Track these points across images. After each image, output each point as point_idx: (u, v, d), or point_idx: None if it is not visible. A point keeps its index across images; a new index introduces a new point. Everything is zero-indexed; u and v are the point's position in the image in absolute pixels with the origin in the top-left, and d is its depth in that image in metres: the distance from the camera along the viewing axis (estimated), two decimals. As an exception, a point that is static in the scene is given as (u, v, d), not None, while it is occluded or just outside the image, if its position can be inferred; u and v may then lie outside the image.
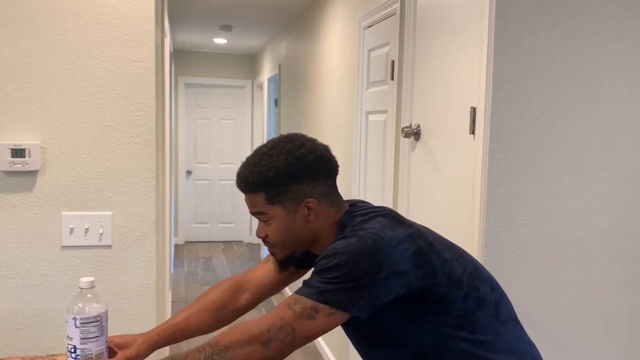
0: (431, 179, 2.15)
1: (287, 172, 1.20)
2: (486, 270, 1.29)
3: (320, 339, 4.07)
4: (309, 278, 1.14)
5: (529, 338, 1.30)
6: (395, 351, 1.21)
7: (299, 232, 1.24)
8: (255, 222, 7.57)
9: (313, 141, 1.25)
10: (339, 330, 3.59)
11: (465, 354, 1.16)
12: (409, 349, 1.19)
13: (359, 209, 1.27)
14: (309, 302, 1.09)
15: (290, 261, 1.32)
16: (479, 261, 1.80)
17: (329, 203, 1.25)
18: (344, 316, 1.11)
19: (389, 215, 1.22)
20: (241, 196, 7.69)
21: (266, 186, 1.21)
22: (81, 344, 1.35)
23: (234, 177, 7.81)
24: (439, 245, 1.19)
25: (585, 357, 1.89)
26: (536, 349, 1.29)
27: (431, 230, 1.25)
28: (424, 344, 1.18)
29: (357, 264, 1.09)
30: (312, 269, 1.19)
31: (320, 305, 1.09)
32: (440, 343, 1.17)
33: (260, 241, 7.10)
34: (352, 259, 1.09)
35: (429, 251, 1.16)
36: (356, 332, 1.27)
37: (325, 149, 1.25)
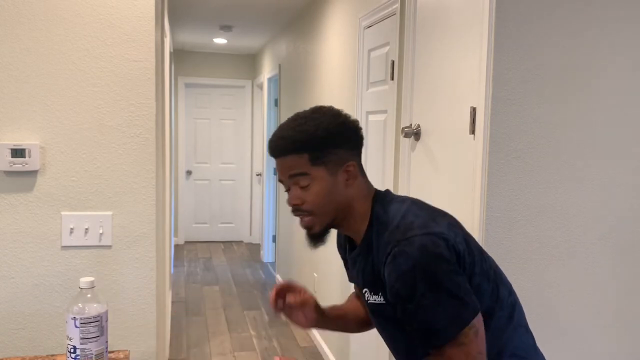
0: (431, 179, 2.15)
1: (335, 133, 1.21)
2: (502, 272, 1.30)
3: (320, 340, 4.08)
4: (419, 326, 1.12)
5: (538, 348, 1.30)
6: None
7: (338, 197, 1.22)
8: (256, 221, 7.58)
9: (348, 115, 1.26)
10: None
11: None
12: None
13: (383, 194, 1.27)
14: (455, 344, 1.08)
15: (326, 235, 1.27)
16: (479, 261, 1.80)
17: (362, 173, 1.26)
18: (479, 318, 1.10)
19: (417, 202, 1.23)
20: (241, 196, 7.69)
21: (312, 146, 1.20)
22: (81, 344, 1.35)
23: (234, 177, 7.85)
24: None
25: (586, 357, 1.89)
26: (544, 358, 1.29)
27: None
28: None
29: (435, 275, 1.08)
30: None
31: (463, 333, 1.08)
32: None
33: (260, 241, 7.10)
34: (428, 274, 1.08)
35: (469, 238, 1.18)
36: (386, 319, 1.26)
37: (358, 123, 1.27)
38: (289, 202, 1.25)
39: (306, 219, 1.24)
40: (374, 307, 1.26)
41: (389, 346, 1.33)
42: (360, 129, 1.27)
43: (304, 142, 1.20)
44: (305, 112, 1.25)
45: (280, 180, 1.26)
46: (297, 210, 1.25)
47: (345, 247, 1.38)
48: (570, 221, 1.84)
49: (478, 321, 1.10)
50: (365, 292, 1.27)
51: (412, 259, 1.08)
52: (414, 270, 1.08)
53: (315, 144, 1.20)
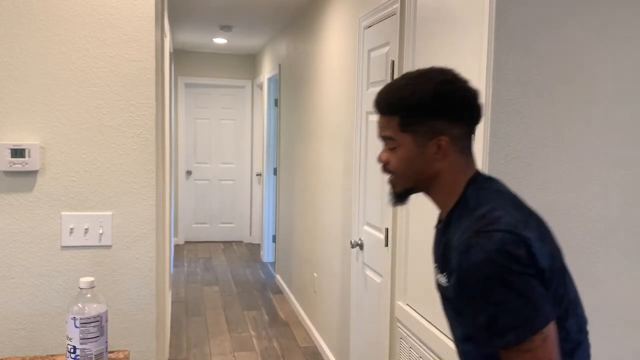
0: (431, 179, 2.14)
1: (430, 104, 1.14)
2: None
3: (320, 340, 4.08)
4: (483, 323, 1.03)
5: None
6: None
7: (423, 167, 1.17)
8: (256, 221, 7.58)
9: (465, 81, 1.18)
10: (338, 330, 3.59)
11: None
12: None
13: (483, 179, 1.20)
14: (520, 349, 1.00)
15: (408, 197, 1.24)
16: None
17: (460, 149, 1.18)
18: (552, 326, 1.02)
19: (516, 200, 1.16)
20: (241, 196, 7.70)
21: (404, 111, 1.15)
22: (81, 344, 1.35)
23: (234, 177, 7.84)
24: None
25: (585, 357, 1.89)
26: None
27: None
28: None
29: (509, 272, 1.00)
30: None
31: (529, 339, 1.00)
32: None
33: (260, 241, 7.11)
34: (501, 270, 1.00)
35: (556, 254, 1.12)
36: (447, 300, 1.21)
37: (475, 94, 1.18)
38: (378, 159, 1.24)
39: (390, 177, 1.24)
40: (438, 285, 1.23)
41: (450, 330, 1.30)
42: (476, 102, 1.17)
43: (396, 106, 1.16)
44: (414, 72, 1.19)
45: (377, 137, 1.26)
46: (383, 168, 1.24)
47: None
48: (570, 221, 1.84)
49: (549, 329, 1.01)
50: (436, 267, 1.24)
51: (487, 252, 1.01)
52: (486, 264, 1.01)
53: (407, 110, 1.15)
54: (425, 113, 1.14)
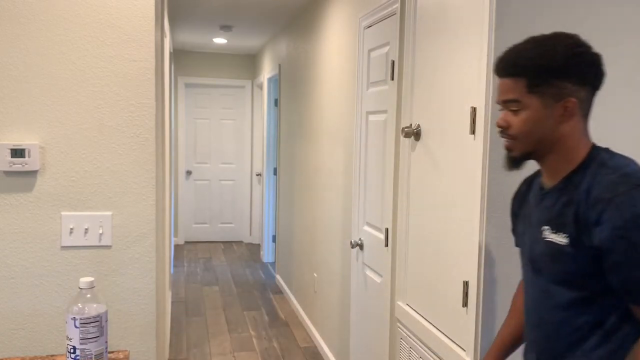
0: (431, 179, 2.14)
1: (561, 65, 1.15)
2: None
3: (320, 340, 4.08)
4: (629, 276, 1.09)
5: None
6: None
7: (547, 130, 1.19)
8: (256, 221, 7.57)
9: (590, 46, 1.19)
10: (338, 330, 3.59)
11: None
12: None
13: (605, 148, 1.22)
14: None
15: (524, 162, 1.26)
16: (479, 262, 1.80)
17: (584, 114, 1.20)
18: None
19: None
20: (241, 196, 7.69)
21: (533, 73, 1.16)
22: (81, 344, 1.35)
23: (234, 177, 7.84)
24: None
25: (585, 357, 1.89)
26: None
27: None
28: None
29: None
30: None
31: None
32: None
33: (260, 241, 7.10)
34: None
35: None
36: (548, 266, 1.23)
37: (601, 58, 1.19)
38: (497, 123, 1.24)
39: (508, 141, 1.24)
40: (544, 248, 1.22)
41: (526, 309, 1.32)
42: (601, 65, 1.18)
43: (523, 67, 1.17)
44: (541, 36, 1.20)
45: (497, 101, 1.25)
46: (501, 132, 1.24)
47: (526, 191, 1.37)
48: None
49: None
50: (544, 230, 1.23)
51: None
52: None
53: (535, 72, 1.16)
54: (554, 74, 1.15)
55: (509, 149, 1.25)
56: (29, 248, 1.75)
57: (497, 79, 1.24)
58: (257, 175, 7.44)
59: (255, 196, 7.58)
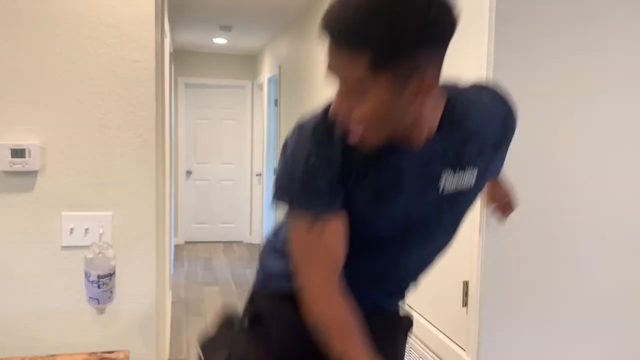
0: (431, 179, 2.14)
1: (415, 37, 0.85)
2: None
3: (320, 339, 4.07)
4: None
5: None
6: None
7: (403, 112, 0.92)
8: (256, 221, 7.56)
9: None
10: (339, 331, 3.58)
11: None
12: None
13: (452, 86, 1.10)
14: None
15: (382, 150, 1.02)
16: (479, 262, 1.80)
17: (439, 73, 0.93)
18: None
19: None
20: (241, 196, 7.68)
21: (379, 44, 0.84)
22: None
23: (234, 177, 7.83)
24: None
25: (587, 357, 1.89)
26: None
27: None
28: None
29: None
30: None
31: None
32: None
33: (260, 241, 7.10)
34: None
35: None
36: (457, 205, 1.21)
37: (453, 7, 0.93)
38: (334, 110, 0.95)
39: (355, 134, 0.96)
40: (451, 195, 1.09)
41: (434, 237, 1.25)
42: (454, 15, 0.93)
43: (366, 36, 0.84)
44: None
45: (329, 69, 0.92)
46: (344, 121, 0.96)
47: (375, 157, 1.03)
48: (570, 221, 1.84)
49: None
50: (445, 173, 1.06)
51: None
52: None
53: (382, 42, 0.84)
54: (407, 44, 0.85)
55: (360, 142, 0.96)
56: (29, 248, 1.75)
57: (325, 37, 0.89)
58: (257, 175, 7.44)
59: (256, 196, 7.58)
